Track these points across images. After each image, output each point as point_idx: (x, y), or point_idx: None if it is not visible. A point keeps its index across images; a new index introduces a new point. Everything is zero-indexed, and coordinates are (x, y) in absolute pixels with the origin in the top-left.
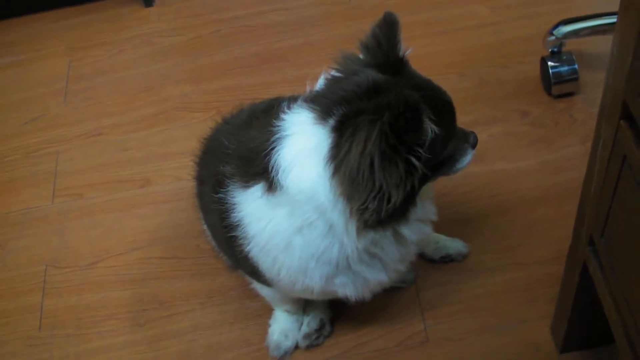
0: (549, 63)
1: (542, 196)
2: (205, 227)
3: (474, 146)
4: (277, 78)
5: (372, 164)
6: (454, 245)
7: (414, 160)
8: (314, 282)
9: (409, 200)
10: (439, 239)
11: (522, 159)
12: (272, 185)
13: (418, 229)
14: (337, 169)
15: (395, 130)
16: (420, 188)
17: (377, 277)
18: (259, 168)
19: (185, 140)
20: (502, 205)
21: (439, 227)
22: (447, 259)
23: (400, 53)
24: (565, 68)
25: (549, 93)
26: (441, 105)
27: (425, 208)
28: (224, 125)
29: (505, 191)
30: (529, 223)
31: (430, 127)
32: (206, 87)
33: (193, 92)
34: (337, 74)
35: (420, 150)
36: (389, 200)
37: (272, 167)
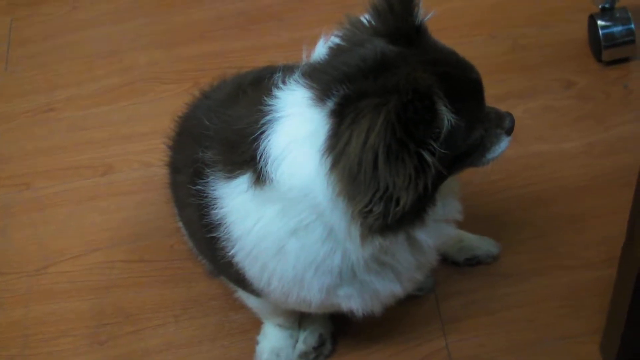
0: (599, 22)
1: (590, 185)
2: (180, 224)
3: (509, 132)
4: (267, 42)
5: (375, 160)
6: (481, 244)
7: (426, 155)
8: (312, 295)
9: (426, 200)
10: (464, 238)
11: (565, 140)
12: (260, 178)
13: (437, 232)
14: (336, 162)
15: (403, 120)
16: (438, 186)
17: (390, 288)
18: (245, 155)
19: (155, 118)
20: (540, 196)
21: (463, 223)
22: (474, 261)
23: (417, 20)
24: (619, 28)
25: (599, 59)
26: (465, 86)
27: (448, 206)
28: (203, 100)
29: (544, 179)
30: (573, 218)
31: (448, 117)
32: (181, 53)
33: (165, 59)
34: (340, 43)
35: (434, 145)
36: (397, 203)
37: (261, 156)
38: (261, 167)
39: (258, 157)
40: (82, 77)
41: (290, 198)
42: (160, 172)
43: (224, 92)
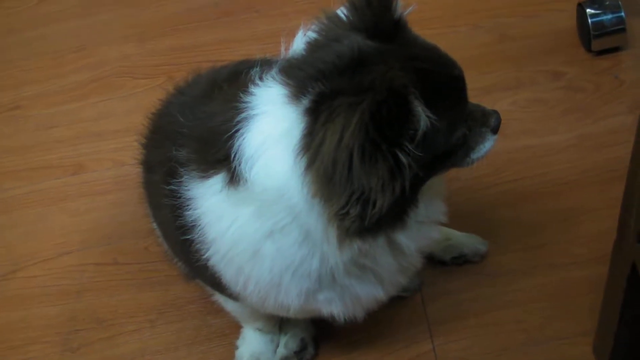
0: (588, 10)
1: (579, 179)
2: (155, 225)
3: (495, 130)
4: (243, 34)
5: (350, 160)
6: (468, 242)
7: (401, 156)
8: (290, 299)
9: (406, 202)
10: (451, 235)
11: (553, 133)
12: (234, 178)
13: (420, 234)
14: (310, 163)
15: (376, 120)
16: (419, 187)
17: (371, 293)
18: (219, 154)
19: (127, 114)
20: (528, 191)
21: (449, 220)
22: (461, 260)
23: (396, 14)
24: (609, 16)
25: (588, 49)
26: (445, 84)
27: (431, 207)
28: (178, 96)
29: (532, 174)
30: (563, 214)
31: (424, 117)
32: (153, 46)
33: (137, 53)
34: (317, 38)
35: (409, 146)
36: (373, 205)
37: (235, 155)
38: (235, 167)
39: (232, 156)
40: (50, 73)
41: (265, 199)
42: (133, 171)
43: (199, 88)
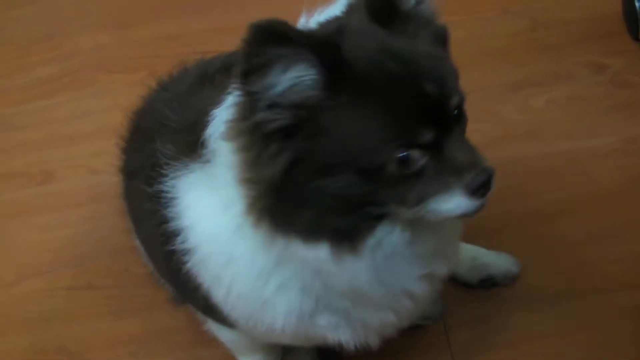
0: None
1: (625, 190)
2: (137, 241)
3: (471, 190)
4: (236, 21)
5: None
6: (498, 262)
7: (262, 114)
8: (280, 320)
9: (326, 207)
10: (477, 254)
11: (595, 135)
12: (207, 162)
13: (395, 272)
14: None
15: (241, 60)
16: (348, 200)
17: (379, 317)
18: (198, 136)
19: (103, 114)
20: (566, 203)
21: (475, 236)
22: (489, 283)
23: (408, 2)
24: None
25: (635, 37)
26: (400, 89)
27: (424, 245)
28: (161, 93)
29: (570, 183)
30: (606, 230)
31: (286, 80)
32: (132, 35)
33: (113, 43)
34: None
35: (266, 102)
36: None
37: (210, 134)
38: (207, 145)
39: (208, 137)
40: (13, 66)
41: (233, 184)
42: (110, 179)
43: (186, 83)
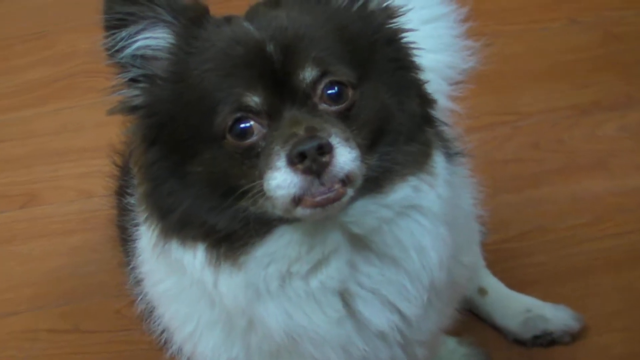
0: None
1: None
2: (132, 278)
3: (292, 161)
4: None
5: None
6: (556, 315)
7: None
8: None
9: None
10: (531, 306)
11: None
12: None
13: (301, 306)
14: None
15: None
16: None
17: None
18: None
19: (98, 127)
20: (639, 249)
21: (529, 284)
22: (546, 340)
23: None
24: None
25: None
26: (236, 43)
27: (355, 271)
28: None
29: None
30: None
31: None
32: None
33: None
34: None
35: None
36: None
37: None
38: None
39: None
40: None
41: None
42: (105, 204)
43: None
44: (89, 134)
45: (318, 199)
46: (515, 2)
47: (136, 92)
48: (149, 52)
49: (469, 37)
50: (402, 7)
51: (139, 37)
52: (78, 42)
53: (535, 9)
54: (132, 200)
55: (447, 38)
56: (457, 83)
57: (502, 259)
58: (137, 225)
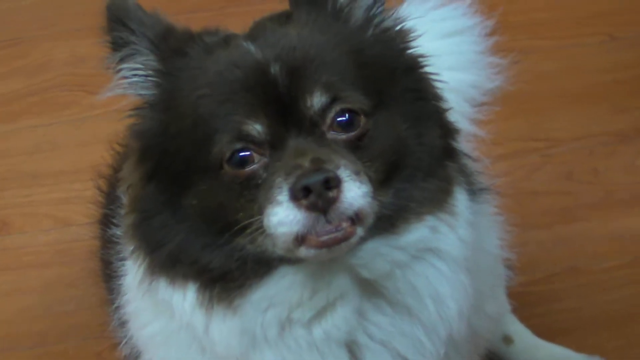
0: None
1: None
2: (116, 318)
3: (295, 195)
4: None
5: None
6: None
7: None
8: None
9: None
10: (561, 357)
11: None
12: None
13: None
14: None
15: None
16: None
17: None
18: None
19: (78, 147)
20: None
21: (561, 333)
22: None
23: None
24: None
25: None
26: (236, 67)
27: (364, 320)
28: None
29: None
30: None
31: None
32: None
33: (96, 56)
34: None
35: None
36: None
37: None
38: None
39: None
40: None
41: None
42: (85, 234)
43: None
44: (67, 154)
45: (324, 238)
46: (548, 14)
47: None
48: (133, 81)
49: (495, 53)
50: (414, 31)
51: (123, 64)
52: (55, 51)
53: (570, 22)
54: (118, 231)
55: (471, 54)
56: (481, 105)
57: (530, 304)
58: (123, 259)
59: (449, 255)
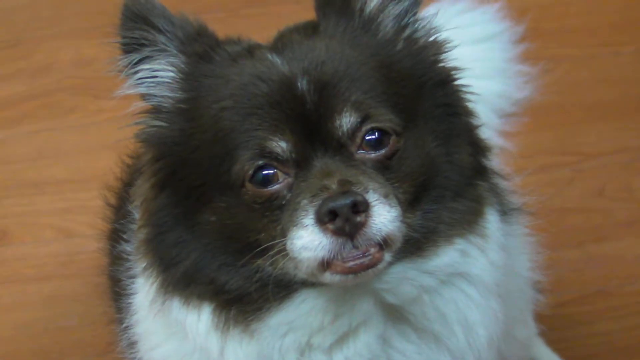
0: None
1: None
2: (124, 337)
3: (321, 219)
4: (274, 33)
5: None
6: None
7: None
8: None
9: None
10: None
11: None
12: None
13: None
14: None
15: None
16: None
17: None
18: None
19: (83, 155)
20: None
21: (588, 359)
22: None
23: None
24: None
25: None
26: (259, 80)
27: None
28: None
29: None
30: None
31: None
32: None
33: (102, 57)
34: None
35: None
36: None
37: None
38: None
39: None
40: None
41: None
42: (88, 245)
43: None
44: (70, 161)
45: (350, 264)
46: (581, 21)
47: (149, 122)
48: (154, 83)
49: (524, 61)
50: (449, 42)
51: (142, 66)
52: (59, 52)
53: (605, 30)
54: (128, 247)
55: (499, 62)
56: (508, 116)
57: (558, 326)
58: (133, 277)
59: (480, 280)
